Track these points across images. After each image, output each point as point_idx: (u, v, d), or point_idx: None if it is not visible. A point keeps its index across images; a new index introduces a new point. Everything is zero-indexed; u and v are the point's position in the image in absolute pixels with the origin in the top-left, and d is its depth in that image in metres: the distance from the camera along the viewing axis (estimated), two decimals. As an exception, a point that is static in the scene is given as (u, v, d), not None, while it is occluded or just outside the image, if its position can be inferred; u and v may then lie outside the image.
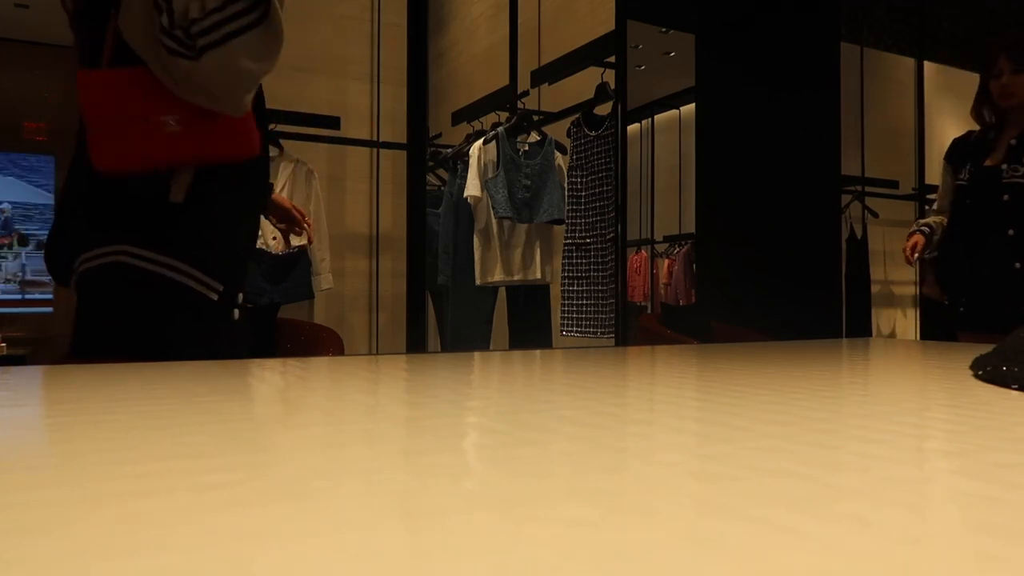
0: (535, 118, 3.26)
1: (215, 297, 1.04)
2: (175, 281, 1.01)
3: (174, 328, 1.02)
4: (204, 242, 1.04)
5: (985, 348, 0.69)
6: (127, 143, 0.97)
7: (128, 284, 1.00)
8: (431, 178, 3.93)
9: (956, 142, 2.34)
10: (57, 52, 5.52)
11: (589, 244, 2.91)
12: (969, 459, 0.31)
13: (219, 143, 1.00)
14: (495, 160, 3.12)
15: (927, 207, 4.16)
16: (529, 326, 3.30)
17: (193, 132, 0.98)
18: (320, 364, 0.68)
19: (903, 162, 4.18)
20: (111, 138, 0.96)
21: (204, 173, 1.03)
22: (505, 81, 3.56)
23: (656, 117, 3.72)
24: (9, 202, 5.65)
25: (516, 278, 3.14)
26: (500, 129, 3.17)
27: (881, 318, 4.15)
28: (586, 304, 2.93)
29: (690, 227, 3.39)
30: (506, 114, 3.34)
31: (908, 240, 2.25)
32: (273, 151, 3.24)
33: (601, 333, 2.87)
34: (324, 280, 3.43)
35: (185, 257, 1.02)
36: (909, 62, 4.21)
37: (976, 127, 2.27)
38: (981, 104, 2.21)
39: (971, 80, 2.19)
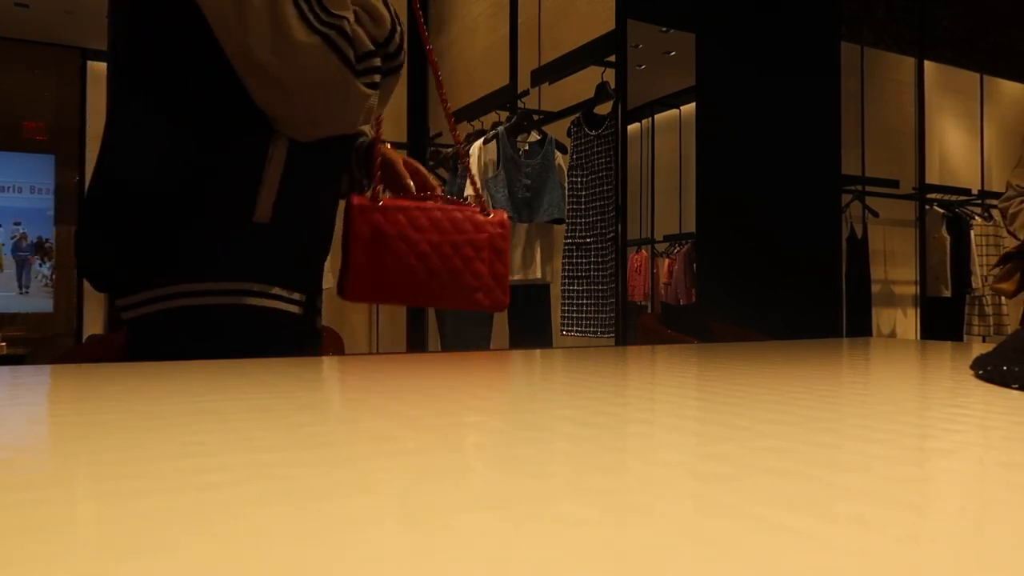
0: (535, 117, 3.27)
1: (297, 310, 0.95)
2: (256, 307, 0.90)
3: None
4: (285, 254, 0.94)
5: (986, 347, 0.69)
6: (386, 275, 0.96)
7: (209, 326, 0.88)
8: (432, 177, 3.93)
9: None
10: (57, 52, 5.52)
11: (589, 243, 2.91)
12: (969, 459, 0.31)
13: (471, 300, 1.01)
14: (495, 159, 3.12)
15: (927, 206, 4.16)
16: (529, 326, 3.30)
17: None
18: (320, 363, 0.68)
19: (903, 161, 4.17)
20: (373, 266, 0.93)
21: (290, 181, 0.92)
22: (505, 80, 3.56)
23: (656, 117, 3.72)
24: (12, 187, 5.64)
25: (516, 277, 3.14)
26: (500, 128, 3.17)
27: (881, 318, 4.15)
28: (586, 304, 2.93)
29: (690, 226, 3.39)
30: (506, 113, 3.34)
31: None
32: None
33: (601, 333, 2.87)
34: (324, 279, 3.42)
35: (263, 276, 0.91)
36: (909, 61, 4.20)
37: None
38: None
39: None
